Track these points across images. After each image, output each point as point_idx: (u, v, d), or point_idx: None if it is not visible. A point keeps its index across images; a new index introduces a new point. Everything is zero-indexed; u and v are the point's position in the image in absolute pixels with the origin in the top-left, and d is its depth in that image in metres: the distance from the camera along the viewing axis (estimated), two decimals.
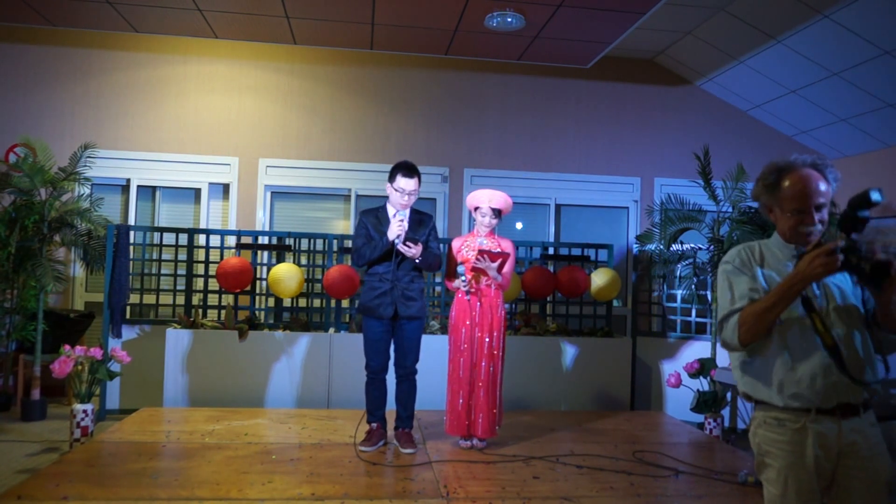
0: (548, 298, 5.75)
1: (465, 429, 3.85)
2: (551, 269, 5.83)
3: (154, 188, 6.32)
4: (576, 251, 5.95)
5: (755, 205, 5.09)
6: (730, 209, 5.28)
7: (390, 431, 3.92)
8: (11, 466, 3.83)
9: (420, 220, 3.84)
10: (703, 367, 4.71)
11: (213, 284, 5.35)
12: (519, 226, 6.83)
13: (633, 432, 4.44)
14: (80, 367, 4.23)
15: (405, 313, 3.75)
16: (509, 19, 5.42)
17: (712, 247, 5.25)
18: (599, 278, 5.50)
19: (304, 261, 5.74)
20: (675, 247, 5.50)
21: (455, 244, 4.00)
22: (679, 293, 5.67)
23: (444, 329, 5.29)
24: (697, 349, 5.41)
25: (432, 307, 5.68)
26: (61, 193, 5.32)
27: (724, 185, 5.31)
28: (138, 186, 6.25)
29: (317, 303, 5.61)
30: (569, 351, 5.33)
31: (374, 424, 3.85)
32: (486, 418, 3.82)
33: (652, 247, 5.72)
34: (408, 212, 3.76)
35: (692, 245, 5.57)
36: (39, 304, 5.14)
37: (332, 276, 5.04)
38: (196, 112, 6.34)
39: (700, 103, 7.01)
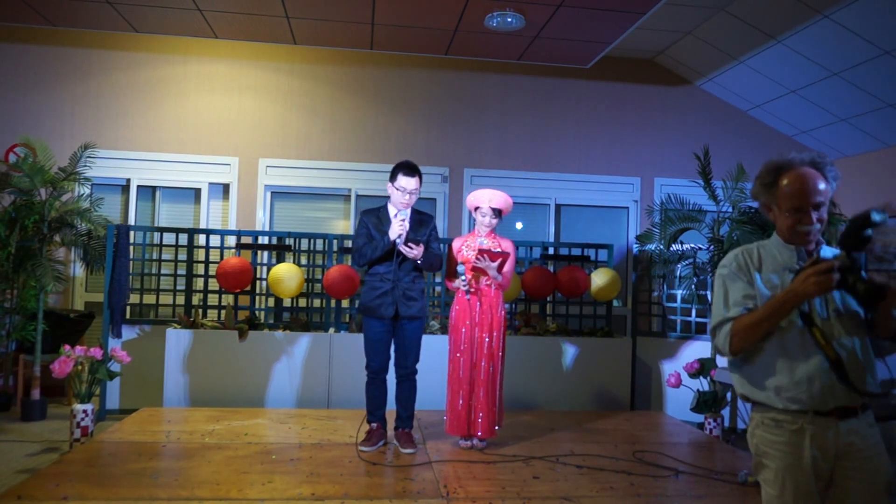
0: (548, 298, 5.75)
1: (465, 429, 3.85)
2: (551, 269, 5.83)
3: (154, 188, 6.32)
4: (576, 251, 5.95)
5: (755, 205, 5.10)
6: (730, 209, 5.28)
7: (390, 431, 3.92)
8: (11, 466, 3.83)
9: (421, 220, 3.84)
10: (703, 367, 4.71)
11: (213, 284, 5.35)
12: (519, 226, 6.83)
13: (633, 432, 4.44)
14: (80, 367, 4.22)
15: (406, 313, 3.75)
16: (509, 19, 5.42)
17: (712, 247, 5.25)
18: (599, 278, 5.50)
19: (304, 261, 5.74)
20: (675, 247, 5.50)
21: (455, 244, 4.00)
22: (679, 293, 5.67)
23: (444, 329, 5.29)
24: (697, 349, 5.41)
25: (432, 307, 5.68)
26: (61, 193, 5.32)
27: (724, 185, 5.31)
28: (138, 186, 6.26)
29: (317, 303, 5.61)
30: (569, 351, 5.33)
31: (374, 424, 3.85)
32: (486, 418, 3.82)
33: (652, 247, 5.72)
34: (409, 211, 3.76)
35: (692, 245, 5.57)
36: (39, 304, 5.14)
37: (332, 276, 5.04)
38: (196, 112, 6.34)
39: (700, 103, 7.01)
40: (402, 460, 3.62)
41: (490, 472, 3.45)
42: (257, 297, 5.59)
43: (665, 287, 5.88)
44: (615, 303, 6.36)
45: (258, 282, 5.49)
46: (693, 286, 5.40)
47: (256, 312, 5.37)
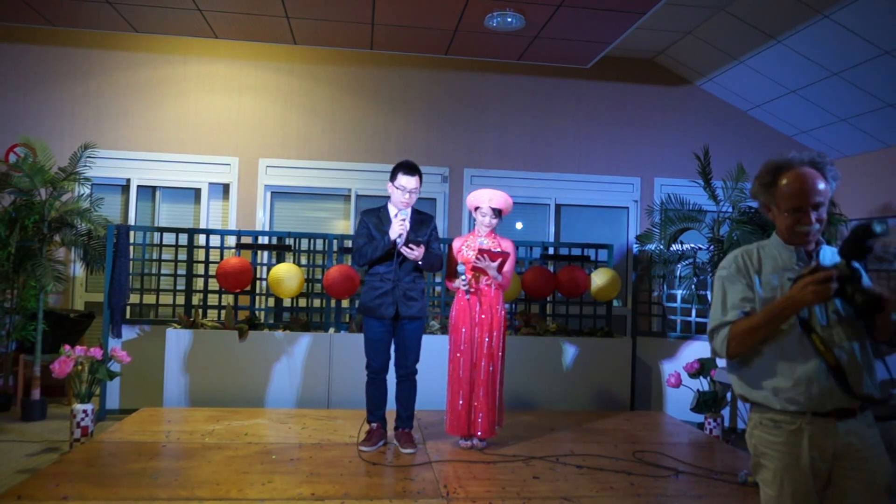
0: (548, 298, 5.75)
1: (465, 429, 3.85)
2: (551, 269, 5.83)
3: (154, 188, 6.32)
4: (576, 251, 5.95)
5: (755, 205, 5.10)
6: (730, 209, 5.28)
7: (390, 431, 3.92)
8: (11, 466, 3.83)
9: (421, 219, 3.85)
10: (703, 367, 4.71)
11: (213, 284, 5.35)
12: (519, 226, 6.83)
13: (633, 432, 4.44)
14: (80, 367, 4.22)
15: (406, 313, 3.75)
16: (509, 19, 5.42)
17: (712, 247, 5.26)
18: (599, 278, 5.50)
19: (304, 261, 5.74)
20: (675, 247, 5.50)
21: (456, 244, 4.00)
22: (679, 293, 5.67)
23: (444, 329, 5.29)
24: (697, 349, 5.41)
25: (432, 307, 5.68)
26: (61, 193, 5.32)
27: (724, 185, 5.32)
28: (138, 186, 6.25)
29: (317, 303, 5.61)
30: (569, 351, 5.33)
31: (375, 424, 3.85)
32: (485, 418, 3.82)
33: (652, 247, 5.72)
34: (409, 211, 3.76)
35: (692, 245, 5.57)
36: (39, 304, 5.14)
37: (332, 276, 5.04)
38: (196, 112, 6.34)
39: (700, 103, 7.01)
40: (402, 460, 3.62)
41: (490, 472, 3.45)
42: (257, 297, 5.59)
43: (665, 287, 5.88)
44: (615, 303, 6.36)
45: (258, 282, 5.49)
46: (693, 286, 5.40)
47: (256, 312, 5.37)
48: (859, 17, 4.98)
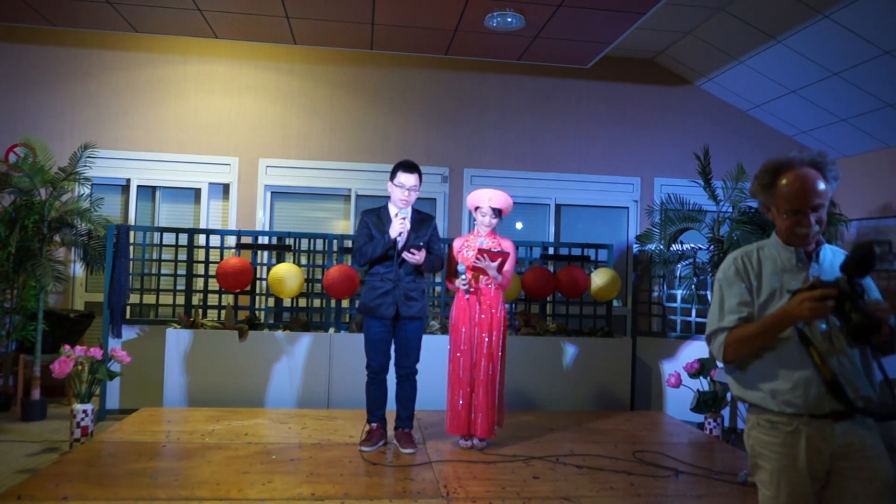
0: (548, 298, 5.75)
1: (465, 429, 3.85)
2: (551, 269, 5.83)
3: (154, 188, 6.32)
4: (576, 251, 5.95)
5: (755, 204, 5.10)
6: (730, 209, 5.28)
7: (390, 431, 3.92)
8: (11, 466, 3.83)
9: (421, 219, 3.85)
10: (703, 367, 4.71)
11: (213, 284, 5.35)
12: (519, 226, 6.83)
13: (633, 432, 4.44)
14: (80, 367, 4.22)
15: (406, 313, 3.75)
16: (509, 19, 5.42)
17: (712, 247, 5.26)
18: (599, 278, 5.50)
19: (304, 261, 5.74)
20: (675, 247, 5.50)
21: (456, 244, 4.01)
22: (679, 293, 5.67)
23: (444, 329, 5.29)
24: (697, 349, 5.41)
25: (432, 307, 5.68)
26: (61, 193, 5.32)
27: (724, 185, 5.32)
28: (138, 186, 6.25)
29: (317, 303, 5.61)
30: (569, 351, 5.33)
31: (375, 424, 3.85)
32: (485, 418, 3.82)
33: (652, 247, 5.72)
34: (409, 210, 3.76)
35: (692, 245, 5.57)
36: (39, 304, 5.14)
37: (333, 276, 5.04)
38: (196, 112, 6.34)
39: (700, 103, 7.01)
40: (402, 460, 3.62)
41: (490, 472, 3.45)
42: (257, 297, 5.59)
43: (665, 287, 5.88)
44: (615, 303, 6.36)
45: (258, 282, 5.49)
46: (693, 286, 5.40)
47: (256, 312, 5.37)
48: (859, 17, 4.98)
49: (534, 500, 3.05)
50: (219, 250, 5.52)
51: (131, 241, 5.33)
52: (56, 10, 5.69)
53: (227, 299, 5.45)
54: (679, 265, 5.52)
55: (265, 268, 5.48)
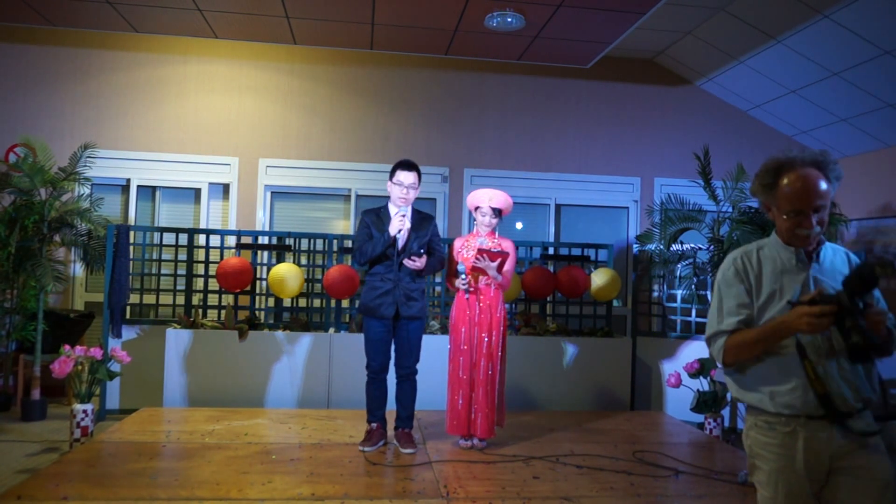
0: (548, 298, 5.75)
1: (465, 429, 3.85)
2: (551, 269, 5.83)
3: (154, 188, 6.32)
4: (576, 251, 5.95)
5: (755, 204, 5.11)
6: (730, 209, 5.28)
7: (390, 431, 3.92)
8: (11, 466, 3.83)
9: (422, 218, 3.86)
10: (703, 367, 4.71)
11: (213, 284, 5.35)
12: (519, 226, 6.83)
13: (633, 432, 4.44)
14: (80, 367, 4.22)
15: (407, 313, 3.75)
16: (509, 19, 5.41)
17: (712, 247, 5.26)
18: (599, 278, 5.50)
19: (304, 261, 5.74)
20: (675, 247, 5.50)
21: (456, 244, 4.01)
22: (679, 293, 5.67)
23: (444, 329, 5.29)
24: (697, 349, 5.41)
25: (432, 307, 5.68)
26: (61, 193, 5.32)
27: (724, 185, 5.31)
28: (138, 186, 6.25)
29: (317, 303, 5.61)
30: (569, 351, 5.33)
31: (374, 424, 3.85)
32: (485, 418, 3.82)
33: (652, 247, 5.72)
34: (409, 209, 3.76)
35: (692, 245, 5.57)
36: (39, 304, 5.14)
37: (333, 276, 5.04)
38: (196, 112, 6.34)
39: (700, 103, 7.01)
40: (402, 460, 3.62)
41: (490, 472, 3.45)
42: (257, 297, 5.58)
43: (665, 287, 5.88)
44: (615, 303, 6.36)
45: (258, 282, 5.49)
46: (693, 286, 5.40)
47: (256, 312, 5.37)
48: (859, 17, 4.98)
49: (534, 500, 3.05)
50: (219, 250, 5.52)
51: (131, 241, 5.32)
52: (56, 10, 5.69)
53: (227, 299, 5.45)
54: (679, 265, 5.52)
55: (265, 268, 5.48)
